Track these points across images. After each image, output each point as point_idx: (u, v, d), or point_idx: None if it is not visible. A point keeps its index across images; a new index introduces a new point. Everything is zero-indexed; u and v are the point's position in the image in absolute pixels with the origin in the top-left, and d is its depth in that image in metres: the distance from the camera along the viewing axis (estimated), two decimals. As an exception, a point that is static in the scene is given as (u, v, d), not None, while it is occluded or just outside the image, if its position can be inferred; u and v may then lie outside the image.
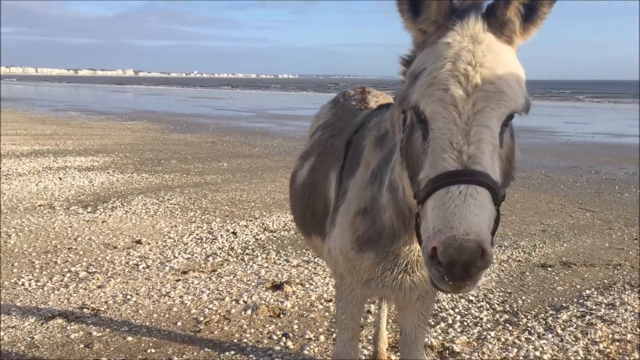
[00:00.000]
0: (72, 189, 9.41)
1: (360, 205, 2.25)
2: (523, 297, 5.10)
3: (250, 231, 7.07)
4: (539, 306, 4.92)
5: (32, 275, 5.30)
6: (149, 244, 6.42)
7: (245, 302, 4.83)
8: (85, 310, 4.56)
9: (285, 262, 5.92)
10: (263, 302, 4.83)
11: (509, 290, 5.26)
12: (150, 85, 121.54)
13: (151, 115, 29.42)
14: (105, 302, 4.75)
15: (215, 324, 4.40)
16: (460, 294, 1.68)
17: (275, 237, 6.85)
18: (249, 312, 4.63)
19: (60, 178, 10.27)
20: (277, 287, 5.18)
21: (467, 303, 4.91)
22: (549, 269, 5.88)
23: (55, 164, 12.03)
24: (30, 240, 6.38)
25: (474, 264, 1.50)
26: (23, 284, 5.07)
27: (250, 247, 6.42)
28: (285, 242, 6.63)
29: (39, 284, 5.11)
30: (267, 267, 5.75)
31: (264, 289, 5.15)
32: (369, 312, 4.60)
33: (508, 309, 4.84)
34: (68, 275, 5.35)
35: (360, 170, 2.30)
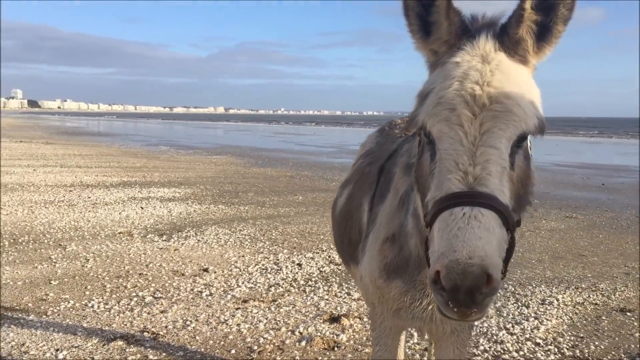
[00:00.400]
0: (151, 218, 9.82)
1: (389, 232, 2.20)
2: (596, 343, 4.75)
3: (316, 263, 7.07)
4: (613, 352, 4.56)
5: (102, 298, 5.54)
6: (215, 272, 6.56)
7: (301, 333, 4.80)
8: (145, 334, 4.70)
9: (346, 295, 5.86)
10: (319, 334, 4.78)
11: (581, 335, 4.93)
12: (239, 121, 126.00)
13: (235, 149, 30.36)
14: (166, 326, 4.87)
15: (269, 354, 4.39)
16: (469, 322, 1.61)
17: (340, 270, 6.80)
18: (303, 343, 4.60)
19: (142, 207, 10.75)
20: (334, 319, 5.12)
21: (533, 346, 4.64)
22: (629, 313, 5.46)
23: (140, 194, 12.62)
24: (105, 265, 6.69)
25: (479, 290, 1.42)
26: (92, 306, 5.30)
27: (313, 279, 6.40)
28: (349, 275, 6.57)
29: (107, 306, 5.32)
30: (327, 299, 5.71)
31: (321, 320, 5.10)
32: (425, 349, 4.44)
33: (578, 355, 4.52)
34: (135, 299, 5.54)
35: (389, 197, 2.26)
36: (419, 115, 1.63)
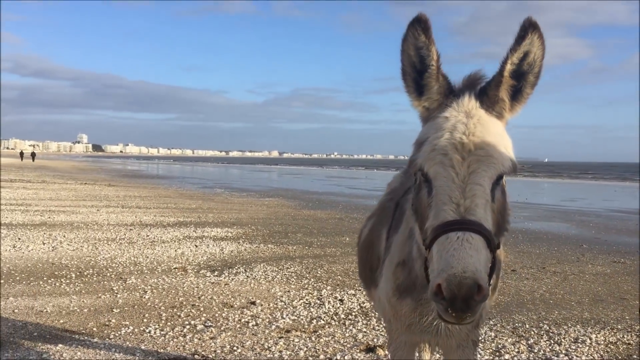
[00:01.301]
0: (204, 255, 10.39)
1: (401, 257, 2.59)
2: (624, 379, 4.89)
3: (357, 299, 7.40)
4: (639, 388, 4.70)
5: (158, 325, 6.04)
6: (261, 305, 6.99)
7: (338, 360, 5.15)
8: (196, 356, 5.15)
9: (384, 328, 6.17)
10: (354, 362, 5.11)
11: (610, 371, 5.07)
12: (292, 165, 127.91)
13: (287, 192, 31.10)
14: (214, 351, 5.31)
15: (307, 378, 4.75)
16: (464, 324, 1.90)
17: (380, 306, 7.10)
18: (339, 369, 4.94)
19: (196, 246, 11.37)
20: (370, 349, 5.44)
21: (561, 379, 4.82)
22: (661, 353, 5.55)
23: (195, 233, 13.28)
24: (161, 297, 7.23)
25: (472, 297, 1.78)
26: (149, 332, 5.80)
27: (353, 314, 6.74)
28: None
29: (162, 332, 5.82)
30: (365, 331, 6.04)
31: (357, 350, 5.44)
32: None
33: (605, 389, 4.68)
34: (187, 327, 6.02)
35: (402, 228, 2.66)
36: (417, 159, 2.04)
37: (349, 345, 5.57)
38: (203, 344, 5.49)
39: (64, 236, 11.92)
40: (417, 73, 2.12)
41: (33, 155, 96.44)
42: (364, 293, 7.61)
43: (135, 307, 6.73)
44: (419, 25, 2.04)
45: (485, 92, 2.07)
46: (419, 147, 2.07)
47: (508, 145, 2.03)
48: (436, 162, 1.98)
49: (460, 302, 1.76)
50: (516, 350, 5.56)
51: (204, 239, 12.46)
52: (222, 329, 6.01)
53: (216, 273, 8.81)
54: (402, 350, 2.85)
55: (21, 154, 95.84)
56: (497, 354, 5.46)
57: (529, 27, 2.02)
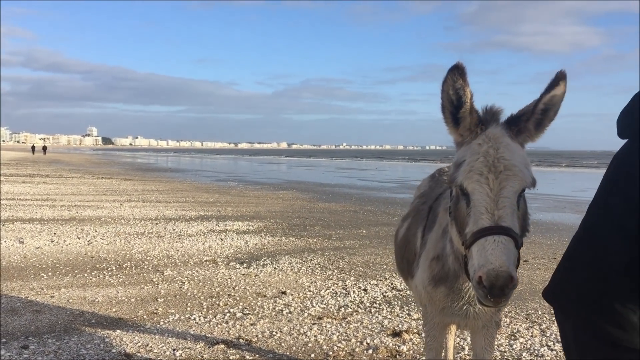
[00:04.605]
0: (231, 248, 10.98)
1: (435, 253, 3.13)
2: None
3: (380, 289, 7.96)
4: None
5: (201, 313, 6.62)
6: (292, 295, 7.56)
7: (368, 343, 5.71)
8: (240, 340, 5.72)
9: (407, 315, 6.72)
10: (383, 344, 5.68)
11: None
12: (302, 157, 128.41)
13: (300, 185, 31.66)
14: (256, 335, 5.89)
15: (342, 358, 5.32)
16: (500, 307, 2.39)
17: (401, 295, 7.67)
18: (370, 351, 5.50)
19: (221, 239, 11.95)
20: (396, 334, 6.00)
21: (571, 360, 5.36)
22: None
23: (218, 227, 13.87)
24: (199, 287, 7.82)
25: (507, 286, 2.30)
26: (195, 319, 6.39)
27: (377, 302, 7.30)
28: (410, 299, 7.42)
29: (206, 319, 6.40)
30: (390, 318, 6.60)
31: (385, 335, 5.99)
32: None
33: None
34: (228, 314, 6.60)
35: (435, 228, 3.19)
36: (457, 177, 2.55)
37: (376, 331, 6.13)
38: (245, 330, 6.07)
39: (96, 231, 12.54)
40: (455, 108, 2.63)
41: (44, 148, 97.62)
42: (401, 281, 8.18)
43: (177, 297, 7.32)
44: (457, 71, 2.55)
45: (515, 122, 2.58)
46: (457, 167, 2.59)
47: (528, 165, 2.54)
48: (473, 180, 2.49)
49: (497, 290, 2.28)
50: (530, 334, 6.10)
51: (227, 232, 13.05)
52: (259, 316, 6.59)
53: (245, 265, 9.39)
54: (435, 330, 3.40)
55: (33, 147, 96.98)
56: (513, 337, 6.01)
57: (561, 78, 2.53)
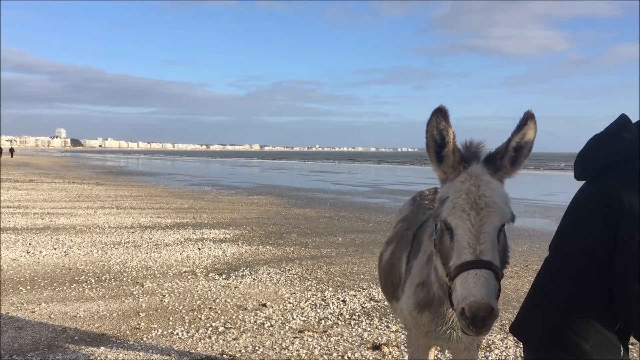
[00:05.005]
0: (209, 258, 11.03)
1: (420, 279, 3.29)
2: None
3: (358, 300, 8.12)
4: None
5: (184, 328, 6.70)
6: (272, 307, 7.67)
7: (349, 357, 5.86)
8: (224, 356, 5.83)
9: (385, 327, 6.90)
10: (363, 358, 5.83)
11: None
12: (275, 159, 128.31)
13: (275, 189, 31.73)
14: (239, 351, 5.99)
15: (324, 373, 5.46)
16: (480, 337, 2.64)
17: (379, 306, 7.84)
18: (351, 365, 5.65)
19: (199, 249, 11.99)
20: (376, 347, 6.16)
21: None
22: None
23: (194, 235, 13.90)
24: (180, 300, 7.88)
25: (488, 317, 2.48)
26: (177, 334, 6.46)
27: (356, 314, 7.46)
28: (387, 310, 7.60)
29: (188, 334, 6.48)
30: (369, 330, 6.76)
31: (365, 348, 6.15)
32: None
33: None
34: (210, 329, 6.68)
35: (420, 255, 3.35)
36: (441, 213, 2.71)
37: (356, 344, 6.29)
38: (228, 345, 6.17)
39: (71, 240, 12.47)
40: (438, 147, 2.80)
41: (12, 150, 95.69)
42: (379, 291, 8.36)
43: (159, 310, 7.37)
44: (440, 113, 2.72)
45: (492, 160, 2.76)
46: (442, 203, 2.75)
47: (507, 201, 2.72)
48: (456, 216, 2.66)
49: (479, 321, 2.45)
50: (504, 345, 6.33)
51: (204, 241, 13.09)
52: (241, 330, 6.69)
53: (224, 276, 9.47)
54: (419, 352, 3.56)
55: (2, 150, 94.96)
56: (488, 349, 6.22)
57: (529, 117, 2.72)
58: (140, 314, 7.21)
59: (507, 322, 7.21)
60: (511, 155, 2.78)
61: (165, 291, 8.34)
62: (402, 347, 6.17)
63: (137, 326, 6.71)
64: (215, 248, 12.13)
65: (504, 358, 5.98)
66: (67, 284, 8.60)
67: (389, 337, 6.54)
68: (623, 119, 2.58)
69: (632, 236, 2.24)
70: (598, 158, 2.51)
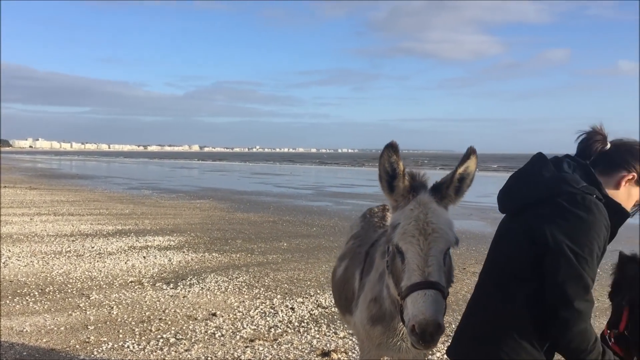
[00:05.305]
0: (155, 267, 11.00)
1: (373, 295, 3.54)
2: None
3: (306, 307, 8.35)
4: None
5: (134, 340, 6.74)
6: (222, 316, 7.79)
7: (300, 365, 6.08)
8: (177, 368, 5.92)
9: (334, 334, 7.15)
10: (314, 365, 6.06)
11: None
12: (216, 160, 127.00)
13: (217, 193, 31.54)
14: (192, 362, 6.11)
15: (277, 382, 5.65)
16: (428, 350, 2.95)
17: (327, 312, 8.09)
18: (303, 373, 5.87)
19: (144, 257, 11.92)
20: (325, 354, 6.40)
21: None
22: None
23: (138, 243, 13.77)
24: (128, 312, 7.88)
25: (436, 333, 2.74)
26: (129, 347, 6.50)
27: (305, 321, 7.68)
28: (335, 317, 7.85)
29: (140, 347, 6.53)
30: (318, 337, 7.00)
31: (315, 355, 6.38)
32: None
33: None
34: (161, 340, 6.75)
35: (373, 272, 3.61)
36: (393, 238, 2.96)
37: (306, 351, 6.51)
38: (180, 356, 6.26)
39: (10, 250, 12.12)
40: (390, 178, 3.05)
41: None
42: (325, 298, 8.62)
43: (107, 323, 7.36)
44: (392, 148, 2.98)
45: (439, 189, 3.03)
46: (393, 229, 3.01)
47: (452, 227, 2.99)
48: (407, 241, 2.92)
49: (428, 336, 2.71)
50: (445, 348, 6.68)
51: (149, 249, 13.00)
52: (192, 341, 6.79)
53: (171, 285, 9.49)
54: (372, 363, 3.83)
55: None
56: (430, 352, 6.56)
57: (471, 152, 3.01)
58: (89, 327, 7.18)
59: (446, 325, 7.59)
60: (455, 185, 3.06)
61: (113, 302, 8.31)
62: (350, 354, 6.44)
63: (87, 340, 6.70)
64: (160, 256, 12.09)
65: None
66: (10, 297, 8.43)
67: (337, 343, 6.79)
68: (541, 157, 2.89)
69: (556, 265, 2.55)
70: (522, 195, 2.81)
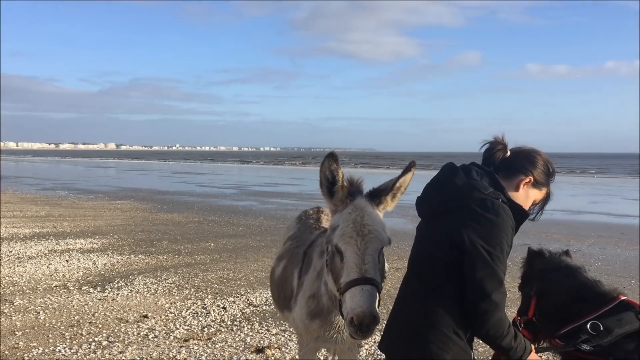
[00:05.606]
0: (79, 270, 10.80)
1: (312, 292, 3.82)
2: None
3: (237, 306, 8.52)
4: None
5: (66, 344, 6.69)
6: (154, 318, 7.83)
7: (236, 362, 6.28)
8: (113, 370, 5.97)
9: (266, 331, 7.38)
10: (249, 362, 6.28)
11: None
12: (134, 159, 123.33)
13: (137, 193, 30.86)
14: (128, 363, 6.17)
15: (213, 379, 5.83)
16: (365, 339, 3.21)
17: (258, 310, 8.31)
18: (238, 369, 6.08)
19: (66, 260, 11.65)
20: (259, 350, 6.63)
21: None
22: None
23: (59, 246, 13.40)
24: (56, 316, 7.77)
25: (372, 324, 3.03)
26: (60, 351, 6.46)
27: (237, 320, 7.86)
28: (267, 314, 8.10)
29: (72, 350, 6.50)
30: (251, 335, 7.21)
31: (249, 352, 6.60)
32: (330, 368, 6.05)
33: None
34: (93, 344, 6.74)
35: (311, 271, 3.89)
36: (333, 239, 3.24)
37: (241, 349, 6.71)
38: (115, 359, 6.30)
39: None
40: (330, 184, 3.34)
41: None
42: (257, 296, 8.82)
43: (36, 328, 7.25)
44: (332, 157, 3.27)
45: (377, 195, 3.35)
46: (333, 230, 3.29)
47: (385, 228, 3.32)
48: (345, 242, 3.21)
49: (364, 327, 3.01)
50: (373, 341, 7.07)
51: (71, 252, 12.70)
52: (126, 343, 6.82)
53: (99, 289, 9.39)
54: (310, 354, 4.10)
55: None
56: (358, 345, 6.92)
57: (412, 166, 3.36)
58: (17, 332, 7.05)
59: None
60: (393, 192, 3.39)
61: (39, 307, 8.15)
62: (283, 349, 6.70)
63: (16, 346, 6.59)
64: (84, 259, 11.86)
65: (373, 352, 6.71)
66: None
67: (271, 340, 7.03)
68: (452, 167, 3.21)
69: (474, 264, 2.90)
70: (439, 202, 3.12)
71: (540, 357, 3.11)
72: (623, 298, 3.19)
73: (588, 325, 3.05)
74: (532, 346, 3.04)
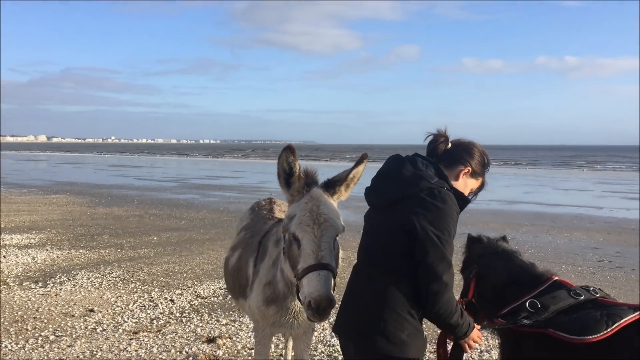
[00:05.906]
0: (18, 266, 10.53)
1: (267, 279, 3.98)
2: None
3: (185, 298, 8.57)
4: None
5: (11, 340, 6.59)
6: (100, 312, 7.79)
7: (187, 352, 6.36)
8: (63, 363, 5.95)
9: (216, 321, 7.48)
10: (201, 352, 6.37)
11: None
12: (67, 152, 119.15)
13: (73, 187, 29.99)
14: (77, 357, 6.14)
15: (166, 369, 5.90)
16: (322, 321, 3.35)
17: (207, 302, 8.39)
18: (191, 359, 6.17)
19: (4, 256, 11.31)
20: (211, 340, 6.73)
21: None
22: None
23: (-6, 242, 12.97)
24: (-2, 313, 7.61)
25: (328, 307, 3.22)
26: (7, 347, 6.36)
27: (186, 311, 7.92)
28: (215, 306, 8.19)
29: (18, 346, 6.41)
30: (201, 326, 7.29)
31: (200, 342, 6.69)
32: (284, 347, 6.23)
33: None
34: (40, 338, 6.67)
35: (266, 259, 4.05)
36: (290, 227, 3.40)
37: (192, 339, 6.79)
38: (64, 352, 6.26)
39: None
40: (287, 175, 3.51)
41: None
42: (204, 288, 8.88)
43: (-23, 325, 7.09)
44: (289, 150, 3.43)
45: (332, 185, 3.54)
46: (290, 219, 3.46)
47: (339, 217, 3.52)
48: (302, 229, 3.38)
49: (321, 310, 3.19)
50: (321, 327, 7.30)
51: (7, 247, 12.32)
52: (74, 337, 6.78)
53: (40, 284, 9.21)
54: (265, 339, 4.27)
55: None
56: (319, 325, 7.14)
57: (364, 158, 3.55)
58: (-43, 330, 6.88)
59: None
60: (347, 182, 3.60)
61: (-21, 304, 7.95)
62: (234, 338, 6.82)
63: (-42, 343, 6.45)
64: (22, 255, 11.54)
65: (322, 339, 6.93)
66: None
67: (221, 330, 7.14)
68: (398, 158, 3.40)
69: (425, 249, 3.13)
70: (390, 192, 3.30)
71: (480, 331, 3.40)
72: (556, 278, 3.52)
73: (527, 304, 3.35)
74: (475, 323, 3.32)
